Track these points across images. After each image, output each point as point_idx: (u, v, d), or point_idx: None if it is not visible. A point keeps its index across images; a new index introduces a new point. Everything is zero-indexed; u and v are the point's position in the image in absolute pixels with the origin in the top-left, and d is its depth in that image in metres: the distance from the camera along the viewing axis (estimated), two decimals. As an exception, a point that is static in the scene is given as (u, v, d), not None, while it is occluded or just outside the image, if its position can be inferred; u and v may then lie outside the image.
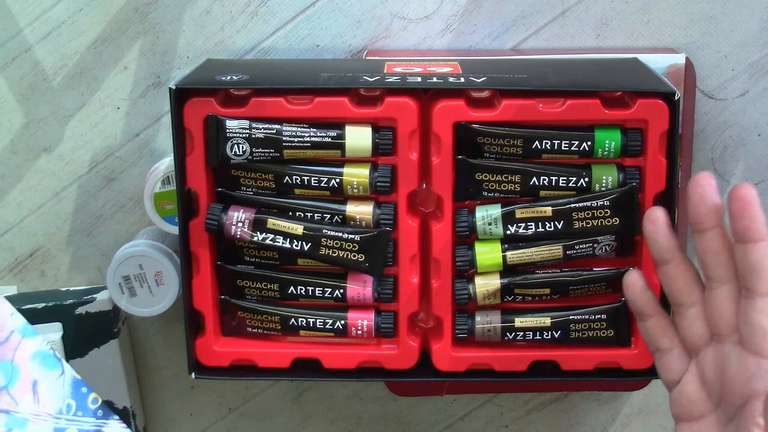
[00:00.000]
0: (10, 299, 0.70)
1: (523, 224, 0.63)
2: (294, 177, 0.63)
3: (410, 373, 0.66)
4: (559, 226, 0.63)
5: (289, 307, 0.66)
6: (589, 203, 0.62)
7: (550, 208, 0.63)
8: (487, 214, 0.63)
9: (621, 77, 0.64)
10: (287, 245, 0.63)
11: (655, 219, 0.55)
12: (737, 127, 0.73)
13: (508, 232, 0.63)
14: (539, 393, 0.80)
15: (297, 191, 0.64)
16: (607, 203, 0.62)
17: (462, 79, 0.62)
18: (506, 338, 0.65)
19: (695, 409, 0.55)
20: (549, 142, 0.62)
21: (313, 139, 0.62)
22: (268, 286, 0.65)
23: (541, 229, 0.63)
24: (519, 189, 0.63)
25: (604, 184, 0.63)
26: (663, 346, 0.56)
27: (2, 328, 0.59)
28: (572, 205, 0.62)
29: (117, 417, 0.60)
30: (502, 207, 0.63)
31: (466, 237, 0.64)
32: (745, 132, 0.73)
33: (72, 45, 0.73)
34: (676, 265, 0.55)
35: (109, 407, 0.67)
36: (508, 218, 0.63)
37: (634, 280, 0.57)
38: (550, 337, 0.65)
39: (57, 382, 0.59)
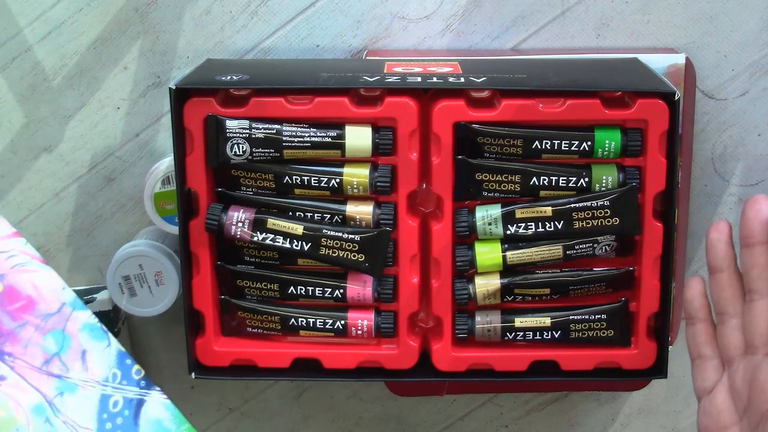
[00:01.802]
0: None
1: (523, 224, 0.63)
2: (294, 177, 0.63)
3: (410, 373, 0.66)
4: (559, 226, 0.63)
5: (289, 307, 0.66)
6: (589, 203, 0.62)
7: (550, 208, 0.63)
8: (487, 214, 0.63)
9: (621, 77, 0.64)
10: (287, 245, 0.63)
11: (722, 229, 0.57)
12: (737, 127, 0.73)
13: (508, 232, 0.63)
14: (539, 393, 0.80)
15: (297, 191, 0.64)
16: (607, 203, 0.62)
17: (462, 79, 0.62)
18: (506, 338, 0.65)
19: (722, 419, 0.56)
20: (549, 142, 0.62)
21: (313, 139, 0.62)
22: (268, 286, 0.65)
23: (541, 229, 0.63)
24: (519, 189, 0.63)
25: (604, 184, 0.63)
26: (705, 353, 0.58)
27: (55, 300, 0.63)
28: (572, 205, 0.62)
29: (158, 388, 0.63)
30: (502, 207, 0.63)
31: (466, 237, 0.64)
32: (745, 132, 0.73)
33: (72, 45, 0.73)
34: (729, 275, 0.57)
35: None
36: (508, 218, 0.63)
37: (696, 283, 0.59)
38: (550, 337, 0.65)
39: (104, 352, 0.63)
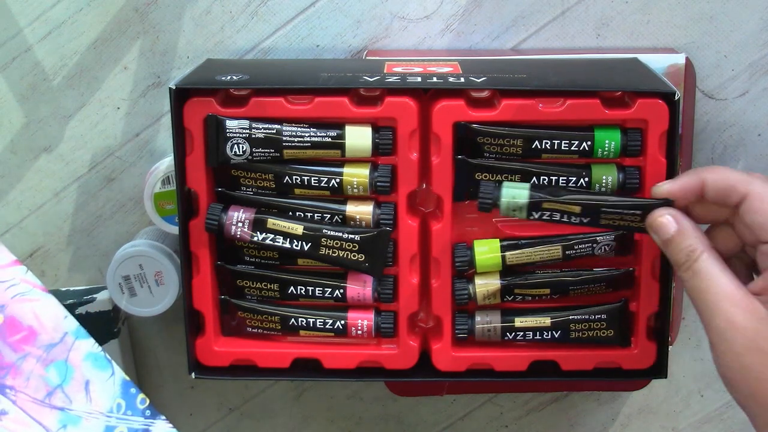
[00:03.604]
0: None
1: (548, 213, 0.60)
2: (294, 177, 0.63)
3: (410, 373, 0.66)
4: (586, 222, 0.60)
5: (289, 307, 0.66)
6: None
7: (578, 208, 0.60)
8: (513, 201, 0.60)
9: (621, 77, 0.64)
10: (287, 245, 0.63)
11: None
12: (737, 127, 0.73)
13: (532, 217, 0.60)
14: (539, 393, 0.80)
15: (297, 191, 0.64)
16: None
17: (462, 79, 0.62)
18: (506, 338, 0.65)
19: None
20: (549, 142, 0.62)
21: (313, 139, 0.62)
22: (268, 286, 0.65)
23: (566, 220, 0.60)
24: (519, 189, 0.63)
25: (604, 184, 0.63)
26: None
27: (56, 330, 0.62)
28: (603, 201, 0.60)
29: (164, 417, 0.62)
30: (530, 196, 0.60)
31: (487, 210, 0.60)
32: (745, 132, 0.73)
33: (72, 45, 0.73)
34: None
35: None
36: (534, 207, 0.59)
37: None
38: (550, 337, 0.65)
39: (108, 382, 0.62)
